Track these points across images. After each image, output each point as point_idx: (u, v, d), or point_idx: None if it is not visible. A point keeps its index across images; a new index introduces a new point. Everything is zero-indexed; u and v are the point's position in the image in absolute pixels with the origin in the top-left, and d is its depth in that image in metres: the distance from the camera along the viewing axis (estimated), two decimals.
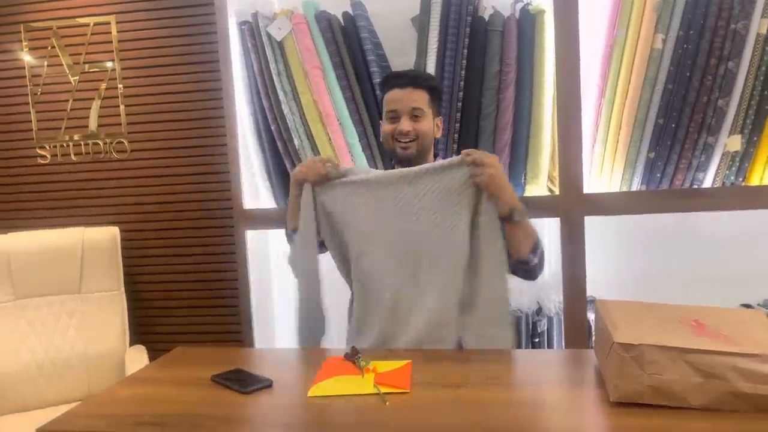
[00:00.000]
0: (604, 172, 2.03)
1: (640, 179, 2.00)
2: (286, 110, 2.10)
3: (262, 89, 2.12)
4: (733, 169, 1.94)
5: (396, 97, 1.67)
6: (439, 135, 1.77)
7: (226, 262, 2.48)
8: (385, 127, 1.71)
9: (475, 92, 2.03)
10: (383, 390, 1.23)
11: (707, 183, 1.96)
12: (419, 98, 1.67)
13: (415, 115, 1.67)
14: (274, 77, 2.09)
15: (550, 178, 2.07)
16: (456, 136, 2.06)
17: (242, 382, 1.30)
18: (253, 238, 2.21)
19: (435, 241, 1.58)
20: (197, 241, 2.53)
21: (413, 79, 1.69)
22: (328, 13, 2.09)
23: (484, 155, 1.54)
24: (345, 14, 2.10)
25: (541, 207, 2.01)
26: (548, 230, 2.04)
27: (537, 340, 2.12)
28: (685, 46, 1.91)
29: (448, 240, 1.58)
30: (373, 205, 1.63)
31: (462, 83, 2.03)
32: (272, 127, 2.13)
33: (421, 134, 1.67)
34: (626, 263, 2.22)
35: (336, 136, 2.10)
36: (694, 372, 1.06)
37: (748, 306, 2.15)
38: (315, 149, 2.12)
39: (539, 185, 2.05)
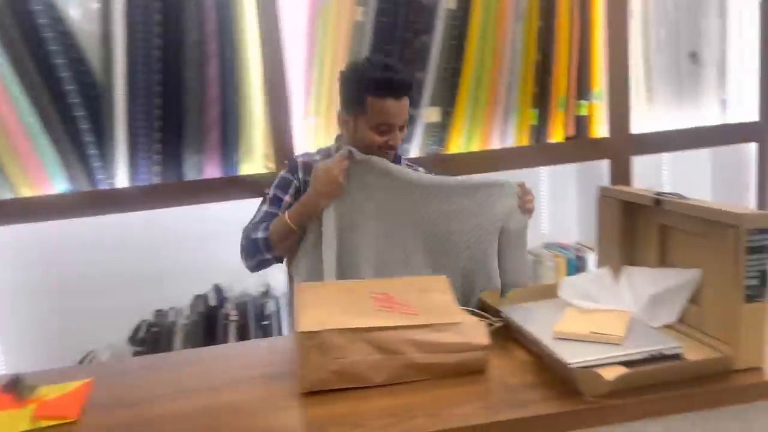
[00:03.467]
0: (318, 145, 2.00)
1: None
2: None
3: None
4: (434, 138, 2.06)
5: (392, 111, 1.49)
6: None
7: None
8: (372, 138, 1.50)
9: (174, 65, 1.84)
10: (43, 423, 1.03)
11: (412, 153, 2.06)
12: (407, 107, 1.53)
13: (401, 127, 1.54)
14: None
15: (268, 156, 1.98)
16: (159, 112, 1.85)
17: None
18: None
19: (466, 264, 1.49)
20: None
21: (407, 87, 1.52)
22: None
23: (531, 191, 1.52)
24: None
25: (261, 186, 1.92)
26: None
27: (267, 322, 2.06)
28: (383, 19, 1.95)
29: (480, 263, 1.49)
30: (391, 216, 1.48)
31: (158, 53, 1.82)
32: None
33: (402, 141, 1.59)
34: None
35: (6, 114, 1.75)
36: (373, 350, 1.06)
37: (202, 296, 2.15)
38: None
39: (255, 162, 1.95)
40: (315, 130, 1.98)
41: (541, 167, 2.41)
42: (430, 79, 2.00)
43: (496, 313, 1.29)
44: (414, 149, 2.05)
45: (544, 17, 2.06)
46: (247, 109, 1.91)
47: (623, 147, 2.15)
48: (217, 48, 1.86)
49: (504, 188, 1.48)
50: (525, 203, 1.49)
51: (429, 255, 1.50)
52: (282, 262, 1.62)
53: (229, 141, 1.91)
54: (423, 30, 1.97)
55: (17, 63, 1.74)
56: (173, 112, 1.86)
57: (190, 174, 1.91)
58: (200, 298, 2.11)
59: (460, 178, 1.49)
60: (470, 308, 1.27)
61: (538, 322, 1.19)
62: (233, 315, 2.00)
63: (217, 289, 2.13)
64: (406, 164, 1.70)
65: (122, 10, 1.78)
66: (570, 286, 1.29)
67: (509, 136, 2.11)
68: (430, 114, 2.02)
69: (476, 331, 1.09)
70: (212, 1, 1.83)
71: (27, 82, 1.75)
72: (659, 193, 1.18)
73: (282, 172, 1.60)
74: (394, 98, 1.48)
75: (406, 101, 1.51)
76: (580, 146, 2.15)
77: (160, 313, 2.10)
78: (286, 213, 1.48)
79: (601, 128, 2.18)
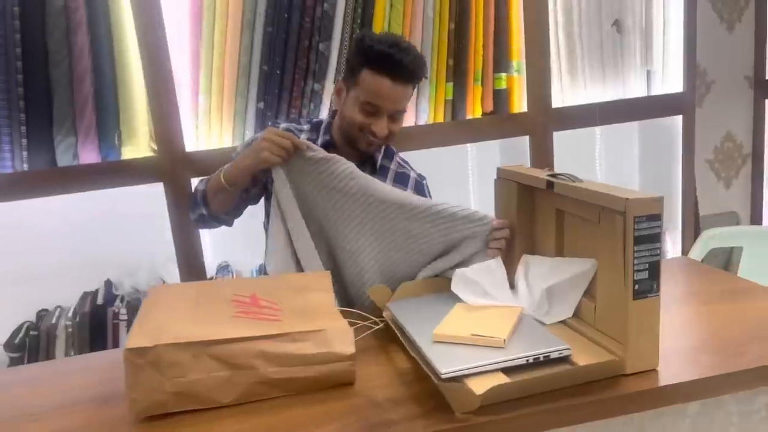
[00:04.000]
0: (213, 126, 1.82)
1: (253, 132, 1.84)
2: None
3: None
4: None
5: (384, 93, 1.37)
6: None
7: None
8: (356, 115, 1.40)
9: (36, 35, 1.62)
10: None
11: None
12: (407, 97, 1.41)
13: (393, 117, 1.41)
14: None
15: (153, 136, 1.78)
16: (21, 90, 1.63)
17: None
18: None
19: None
20: None
21: (413, 76, 1.39)
22: None
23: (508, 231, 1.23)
24: None
25: (145, 171, 1.74)
26: (153, 197, 1.77)
27: None
28: None
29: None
30: (358, 223, 1.31)
31: (17, 23, 1.60)
32: None
33: (394, 135, 1.45)
34: None
35: None
36: (219, 366, 0.91)
37: (91, 293, 1.93)
38: None
39: (139, 145, 1.75)
40: (206, 109, 1.79)
41: (468, 144, 2.29)
42: (334, 50, 1.83)
43: (380, 311, 1.15)
44: None
45: None
46: (126, 85, 1.71)
47: (543, 122, 2.03)
48: (86, 14, 1.64)
49: (475, 225, 1.24)
50: (490, 245, 1.23)
51: (385, 267, 1.34)
52: (227, 225, 1.53)
53: (107, 120, 1.71)
54: None
55: None
56: (39, 89, 1.65)
57: (64, 159, 1.70)
58: (89, 296, 1.92)
59: (431, 201, 1.29)
60: (350, 308, 1.13)
61: (424, 321, 1.06)
62: (123, 314, 1.82)
63: (108, 285, 1.94)
64: (398, 162, 1.56)
65: None
66: (461, 280, 1.16)
67: (423, 112, 1.96)
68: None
69: (341, 339, 0.95)
70: None
71: None
72: (552, 175, 1.06)
73: (257, 134, 1.47)
74: (390, 79, 1.36)
75: (404, 89, 1.39)
76: (499, 122, 2.02)
77: (42, 313, 1.90)
78: (224, 167, 1.40)
79: (521, 102, 2.06)
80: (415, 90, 1.90)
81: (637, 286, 0.86)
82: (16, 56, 1.61)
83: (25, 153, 1.67)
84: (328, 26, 1.82)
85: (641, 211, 0.83)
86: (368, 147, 1.45)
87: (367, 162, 1.51)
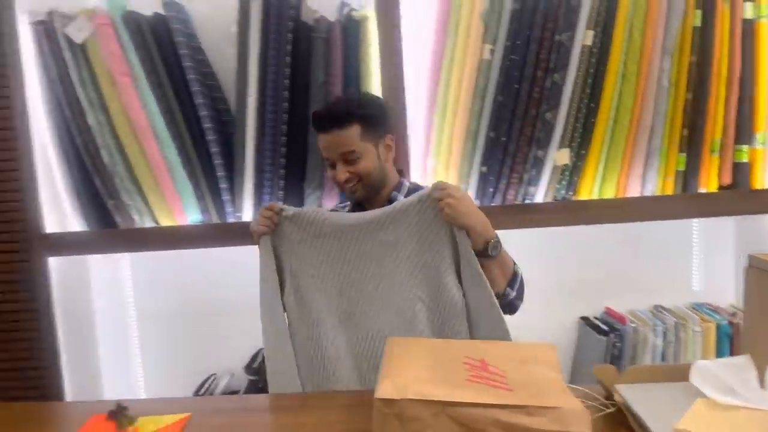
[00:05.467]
0: None
1: (474, 195, 1.93)
2: (92, 121, 1.88)
3: (64, 98, 1.88)
4: (564, 183, 1.91)
5: (324, 144, 1.52)
6: (391, 155, 1.60)
7: (15, 292, 1.87)
8: (327, 174, 1.61)
9: (301, 104, 1.89)
10: None
11: (539, 198, 1.92)
12: (348, 139, 1.48)
13: (347, 161, 1.50)
14: (77, 85, 1.86)
15: None
16: (284, 149, 1.91)
17: None
18: (62, 266, 1.96)
19: (426, 288, 1.44)
20: None
21: (335, 119, 1.48)
22: (137, 14, 1.88)
23: (448, 186, 1.41)
24: (156, 15, 1.89)
25: None
26: None
27: None
28: (512, 57, 1.85)
29: (438, 283, 1.43)
30: (350, 261, 1.47)
31: (287, 94, 1.88)
32: (77, 141, 1.90)
33: (363, 175, 1.51)
34: None
35: (151, 150, 1.90)
36: (456, 427, 0.96)
37: (586, 319, 2.14)
38: (128, 165, 1.90)
39: None
40: (434, 171, 1.93)
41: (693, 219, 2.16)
42: (561, 119, 1.86)
43: (609, 394, 1.13)
44: (540, 193, 1.91)
45: (697, 51, 1.84)
46: None
47: None
48: (342, 87, 1.88)
49: (427, 203, 1.41)
50: (440, 208, 1.38)
51: (382, 295, 1.45)
52: None
53: None
54: (555, 68, 1.84)
55: (163, 102, 1.88)
56: (298, 150, 1.91)
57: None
58: None
59: (391, 206, 1.46)
60: (577, 386, 1.12)
61: (660, 412, 1.01)
62: None
63: None
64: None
65: (257, 51, 1.87)
66: (702, 372, 1.09)
67: (650, 183, 1.90)
68: (558, 156, 1.87)
69: (578, 420, 0.95)
70: (339, 40, 1.86)
71: (169, 118, 1.89)
72: None
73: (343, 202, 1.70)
74: (321, 132, 1.51)
75: (334, 135, 1.48)
76: (737, 197, 1.87)
77: None
78: None
79: (765, 177, 1.89)
80: (645, 162, 1.87)
81: None
82: (282, 121, 1.89)
83: (280, 203, 1.93)
84: (557, 96, 1.85)
85: None
86: (352, 194, 1.55)
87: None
